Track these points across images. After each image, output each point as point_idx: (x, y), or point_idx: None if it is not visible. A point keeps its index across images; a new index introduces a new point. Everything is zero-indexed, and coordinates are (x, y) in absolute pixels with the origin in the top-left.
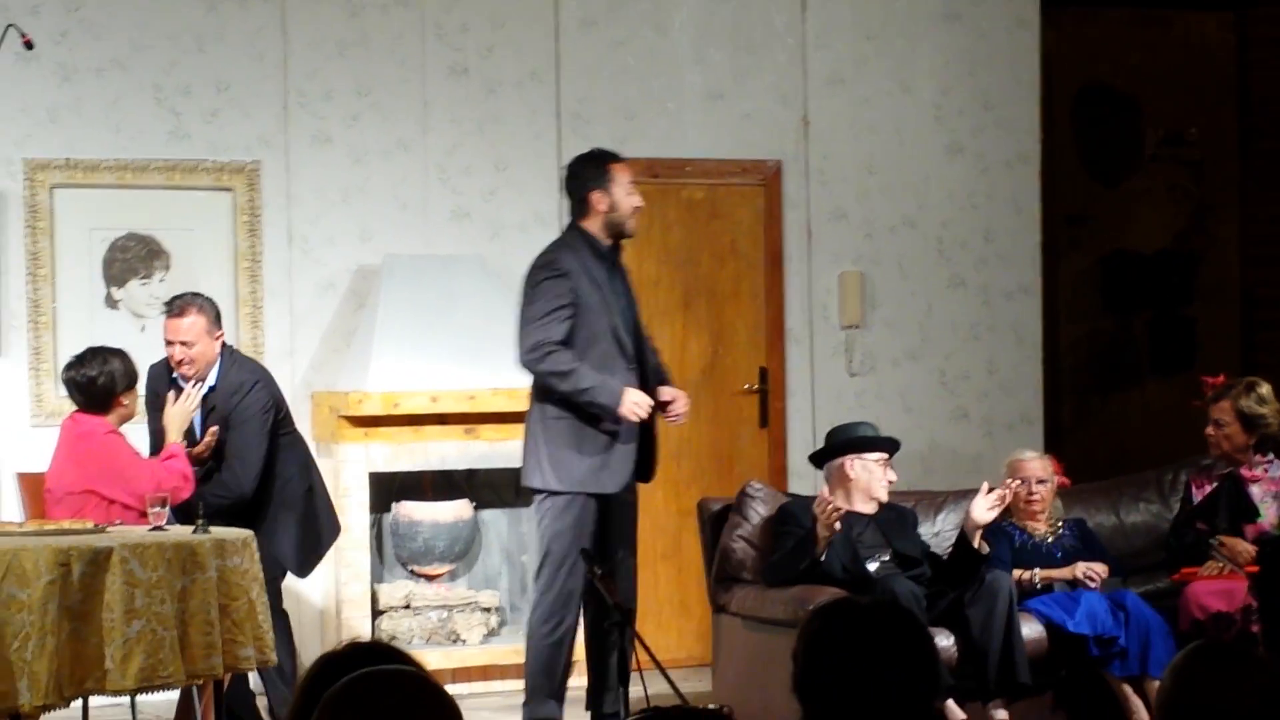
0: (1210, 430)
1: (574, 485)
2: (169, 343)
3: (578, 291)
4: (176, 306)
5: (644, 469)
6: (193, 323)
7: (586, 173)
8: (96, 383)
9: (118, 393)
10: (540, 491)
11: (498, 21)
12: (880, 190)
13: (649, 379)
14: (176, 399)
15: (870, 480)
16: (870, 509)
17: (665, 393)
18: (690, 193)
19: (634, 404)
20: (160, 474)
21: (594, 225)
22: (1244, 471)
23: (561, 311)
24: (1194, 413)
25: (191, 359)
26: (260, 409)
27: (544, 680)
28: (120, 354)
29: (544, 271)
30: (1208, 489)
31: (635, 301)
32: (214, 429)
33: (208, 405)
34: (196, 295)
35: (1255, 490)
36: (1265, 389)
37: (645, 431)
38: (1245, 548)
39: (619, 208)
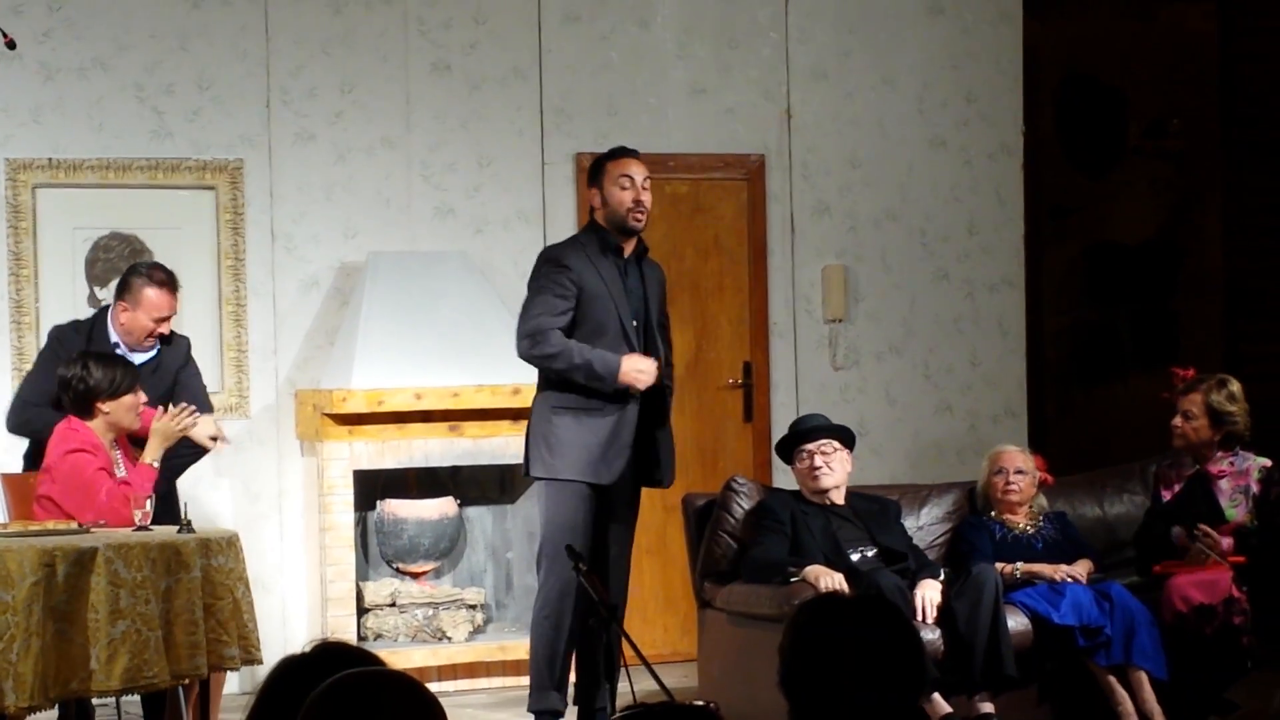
0: (1178, 421)
1: (573, 473)
2: (163, 318)
3: (580, 284)
4: (172, 280)
5: (648, 472)
6: (177, 298)
7: (589, 173)
8: (71, 385)
9: (96, 399)
10: (541, 479)
11: (481, 18)
12: (863, 184)
13: (662, 386)
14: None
15: (804, 478)
16: (840, 499)
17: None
18: (674, 187)
19: (636, 370)
20: (117, 499)
21: (602, 221)
22: (1210, 468)
23: (558, 302)
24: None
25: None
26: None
27: (546, 670)
28: (109, 362)
29: (544, 265)
30: (1176, 488)
31: (655, 301)
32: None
33: (151, 365)
34: (161, 264)
35: (1223, 485)
36: (1236, 387)
37: (652, 435)
38: (1222, 541)
39: (609, 203)
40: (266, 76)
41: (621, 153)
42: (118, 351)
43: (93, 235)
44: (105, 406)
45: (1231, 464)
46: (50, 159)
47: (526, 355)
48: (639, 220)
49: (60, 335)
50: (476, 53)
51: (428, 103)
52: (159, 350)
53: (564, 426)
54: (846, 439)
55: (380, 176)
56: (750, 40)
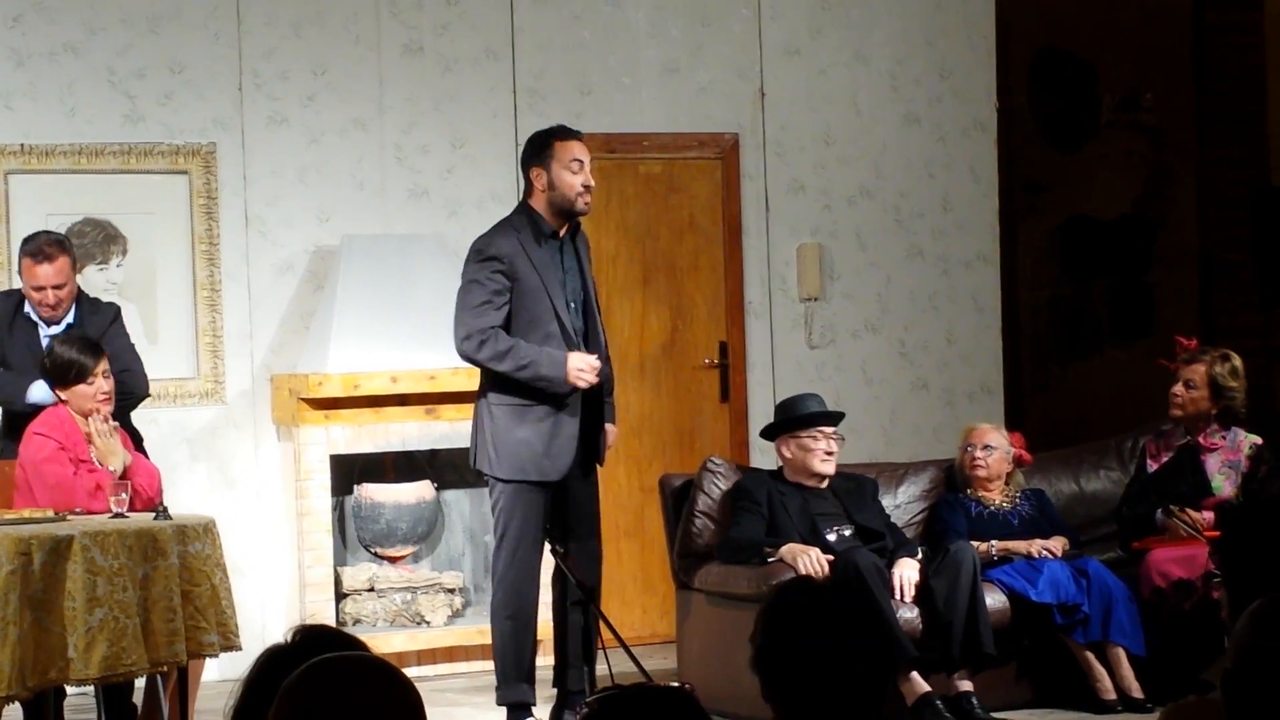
0: (1179, 389)
1: (519, 473)
2: (39, 288)
3: (513, 275)
4: (41, 251)
5: (592, 451)
6: (62, 264)
7: (530, 149)
8: (44, 367)
9: (55, 384)
10: (491, 477)
11: None
12: (838, 161)
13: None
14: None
15: (806, 458)
16: (823, 481)
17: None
18: (648, 167)
19: (579, 370)
20: (71, 489)
21: (539, 204)
22: (1201, 439)
23: (496, 298)
24: (1155, 378)
25: (62, 300)
26: (128, 333)
27: (513, 663)
28: (68, 350)
29: (475, 257)
30: (1164, 458)
31: (589, 286)
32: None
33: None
34: (51, 233)
35: (1211, 460)
36: (1238, 363)
37: (592, 414)
38: (1200, 518)
39: (557, 185)
40: (238, 59)
41: (568, 133)
42: (41, 325)
43: (66, 221)
44: (63, 394)
45: (1224, 438)
46: (22, 145)
47: (470, 357)
48: (588, 205)
49: None
50: (449, 33)
51: (400, 84)
52: (79, 322)
53: (506, 425)
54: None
55: (353, 159)
56: (722, 18)
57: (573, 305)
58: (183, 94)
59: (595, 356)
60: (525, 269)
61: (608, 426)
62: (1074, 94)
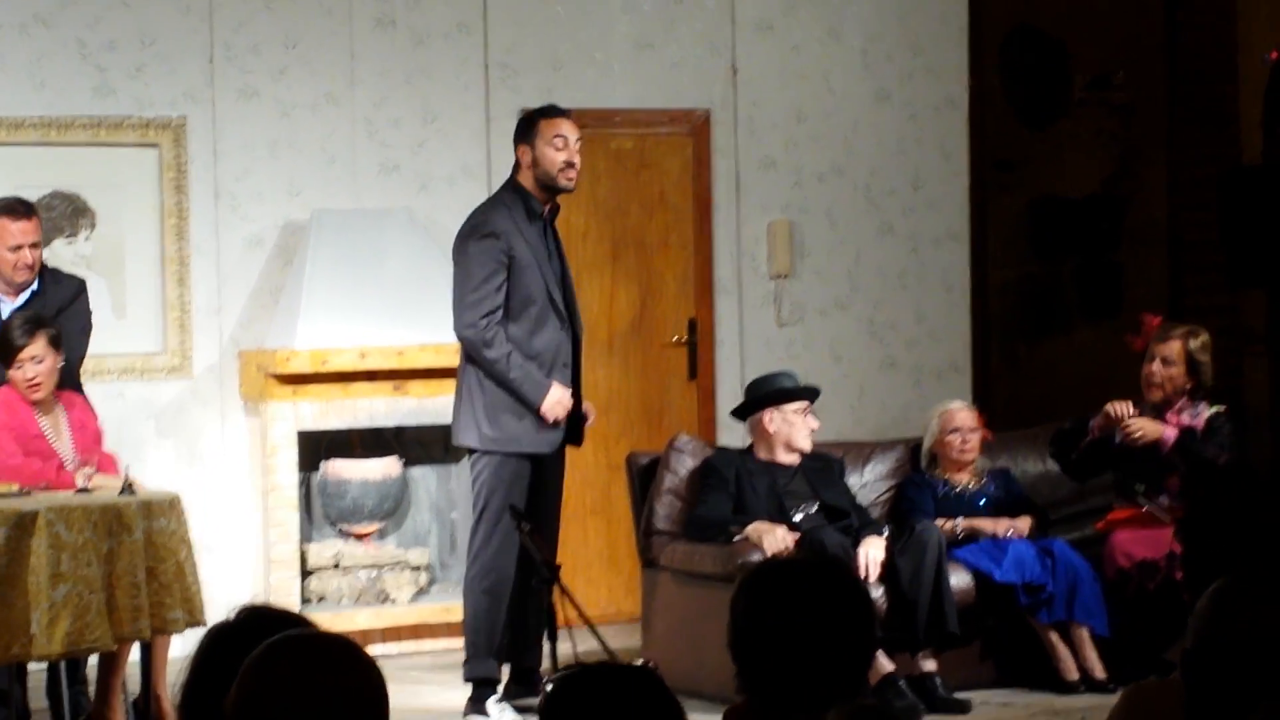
0: (1155, 368)
1: (511, 445)
2: (17, 247)
3: (510, 252)
4: (21, 208)
5: (574, 432)
6: (37, 223)
7: (519, 127)
8: None
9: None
10: (476, 450)
11: None
12: (809, 138)
13: (579, 343)
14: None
15: (791, 432)
16: (794, 459)
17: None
18: (619, 143)
19: (555, 403)
20: (17, 471)
21: (526, 181)
22: (1169, 416)
23: (495, 278)
24: (1123, 358)
25: (39, 260)
26: (89, 311)
27: (484, 637)
28: (16, 320)
29: (473, 234)
30: None
31: (567, 262)
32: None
33: (34, 307)
34: (16, 196)
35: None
36: (1207, 337)
37: (574, 394)
38: (1150, 424)
39: (541, 162)
40: (210, 32)
41: (555, 111)
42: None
43: (35, 194)
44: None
45: (1193, 415)
46: None
47: (469, 338)
48: (571, 181)
49: None
50: (421, 7)
51: (372, 58)
52: (42, 291)
53: (500, 396)
54: None
55: (324, 133)
56: None
57: (557, 284)
58: (153, 67)
59: (569, 393)
60: (521, 246)
61: (587, 405)
62: (1045, 72)
